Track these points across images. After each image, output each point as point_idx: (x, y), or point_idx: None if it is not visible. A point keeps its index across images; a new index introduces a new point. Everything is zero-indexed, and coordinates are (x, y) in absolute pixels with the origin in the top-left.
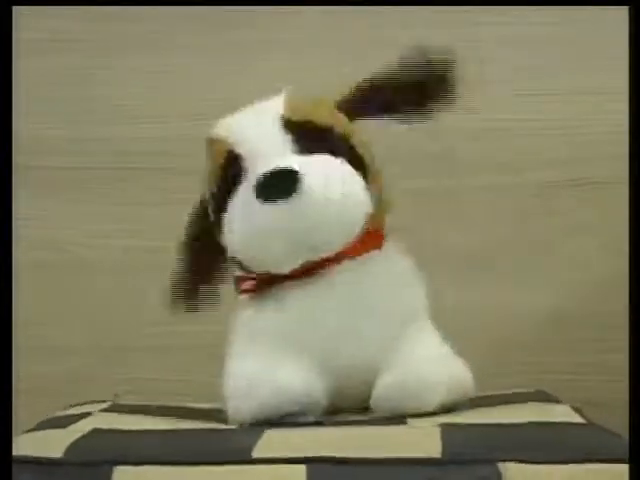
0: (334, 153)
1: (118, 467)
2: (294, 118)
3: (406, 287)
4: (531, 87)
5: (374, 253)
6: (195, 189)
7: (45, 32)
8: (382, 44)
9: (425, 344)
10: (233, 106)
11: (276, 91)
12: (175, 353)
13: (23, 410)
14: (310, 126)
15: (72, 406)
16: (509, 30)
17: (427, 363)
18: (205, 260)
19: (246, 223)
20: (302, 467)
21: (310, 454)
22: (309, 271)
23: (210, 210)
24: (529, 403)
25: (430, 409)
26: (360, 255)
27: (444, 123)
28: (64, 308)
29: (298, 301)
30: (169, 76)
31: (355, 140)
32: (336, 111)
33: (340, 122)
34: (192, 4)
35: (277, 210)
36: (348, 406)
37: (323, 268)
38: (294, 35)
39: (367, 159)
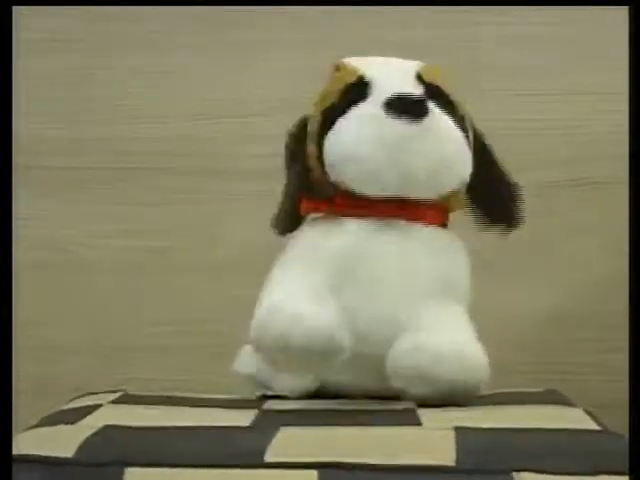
0: (452, 118)
1: (129, 469)
2: (427, 78)
3: (452, 264)
4: (531, 87)
5: (434, 227)
6: (195, 189)
7: (45, 32)
8: (382, 44)
9: (450, 319)
10: (233, 106)
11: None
12: (175, 353)
13: (23, 410)
14: (437, 90)
15: (80, 396)
16: (509, 30)
17: (445, 335)
18: (304, 181)
19: (365, 130)
20: (314, 472)
21: (323, 458)
22: (378, 212)
23: (315, 126)
24: (542, 405)
25: (440, 384)
26: (425, 223)
27: None
28: (64, 308)
29: (354, 238)
30: (169, 76)
31: (467, 124)
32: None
33: (460, 102)
34: (192, 4)
35: (403, 126)
36: (366, 369)
37: (390, 217)
38: (294, 35)
39: (479, 138)
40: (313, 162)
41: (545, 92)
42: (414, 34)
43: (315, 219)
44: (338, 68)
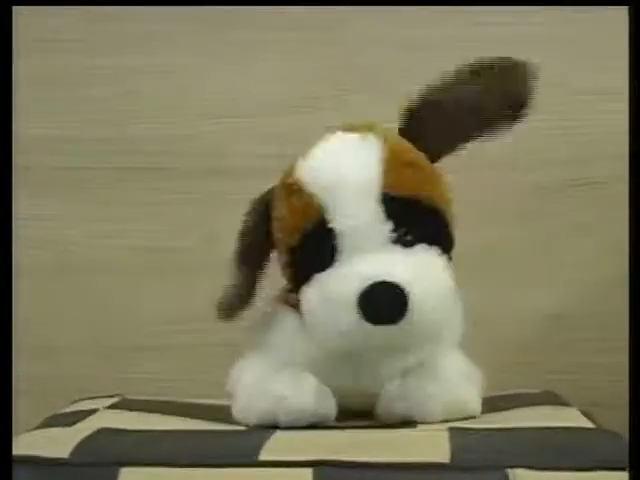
0: (433, 238)
1: (124, 468)
2: (397, 193)
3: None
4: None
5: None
6: (195, 189)
7: (45, 32)
8: (382, 44)
9: (445, 362)
10: (233, 106)
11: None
12: (175, 353)
13: (23, 410)
14: (414, 207)
15: (78, 401)
16: (509, 30)
17: (432, 380)
18: (258, 271)
19: (345, 337)
20: (309, 470)
21: (317, 457)
22: None
23: (284, 262)
24: (538, 406)
25: (430, 420)
26: None
27: None
28: (64, 308)
29: None
30: (169, 76)
31: (449, 216)
32: (436, 177)
33: (443, 196)
34: (192, 4)
35: (383, 332)
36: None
37: None
38: (294, 35)
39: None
40: (282, 272)
41: (545, 92)
42: (414, 34)
43: (287, 309)
44: (292, 191)
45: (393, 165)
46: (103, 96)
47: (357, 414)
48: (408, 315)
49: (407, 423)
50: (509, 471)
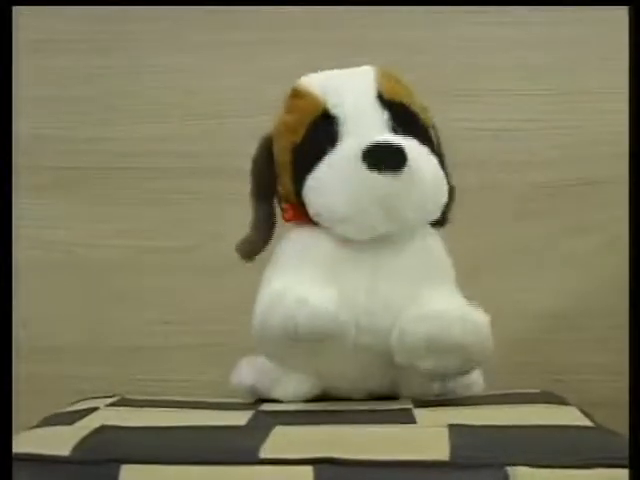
0: (419, 140)
1: (125, 466)
2: (388, 97)
3: (435, 249)
4: (531, 87)
5: None
6: (195, 189)
7: (45, 32)
8: (382, 44)
9: (446, 296)
10: (233, 106)
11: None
12: (175, 353)
13: (23, 410)
14: (402, 109)
15: (78, 401)
16: (509, 30)
17: (446, 304)
18: (270, 206)
19: (351, 188)
20: (309, 468)
21: (317, 454)
22: None
23: (288, 166)
24: (537, 405)
25: (447, 350)
26: None
27: (443, 123)
28: (64, 308)
29: (344, 239)
30: (169, 76)
31: (433, 130)
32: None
33: (423, 110)
34: (192, 4)
35: (387, 180)
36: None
37: None
38: (294, 35)
39: (439, 147)
40: (288, 194)
41: (545, 92)
42: (414, 34)
43: (297, 228)
44: (297, 94)
45: (384, 79)
46: (103, 96)
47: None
48: (408, 167)
49: (407, 421)
50: (509, 469)
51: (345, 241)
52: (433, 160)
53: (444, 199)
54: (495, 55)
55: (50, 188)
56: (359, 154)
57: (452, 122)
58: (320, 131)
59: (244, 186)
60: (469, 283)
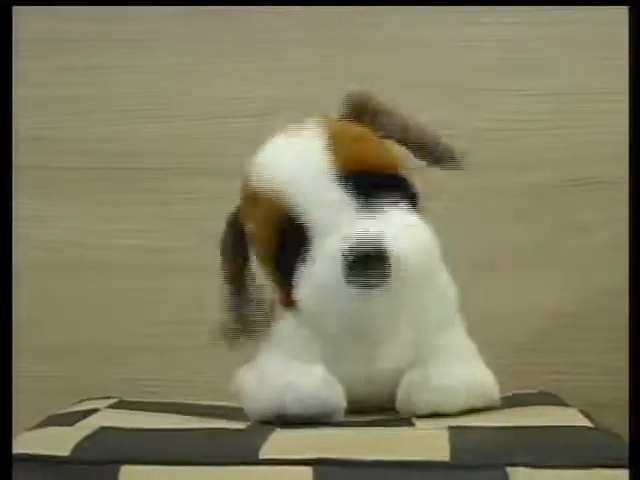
0: (398, 198)
1: (124, 466)
2: (352, 170)
3: (441, 291)
4: (531, 87)
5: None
6: (195, 189)
7: (45, 32)
8: (382, 44)
9: (454, 349)
10: (234, 106)
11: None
12: (175, 353)
13: (23, 410)
14: (371, 177)
15: (79, 402)
16: (509, 30)
17: (451, 365)
18: (248, 286)
19: (335, 303)
20: (308, 469)
21: (317, 455)
22: None
23: (261, 264)
24: (537, 406)
25: (451, 411)
26: None
27: (443, 123)
28: (64, 308)
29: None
30: (169, 76)
31: (406, 173)
32: (380, 143)
33: (396, 160)
34: (192, 4)
35: (372, 295)
36: (370, 407)
37: None
38: (295, 35)
39: (417, 190)
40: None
41: (545, 92)
42: (414, 34)
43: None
44: (250, 200)
45: (339, 145)
46: (103, 96)
47: (369, 410)
48: (394, 275)
49: (406, 421)
50: (509, 469)
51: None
52: (423, 228)
53: (436, 261)
54: (495, 55)
55: (50, 188)
56: (340, 266)
57: (452, 122)
58: (291, 239)
59: None
60: (469, 283)
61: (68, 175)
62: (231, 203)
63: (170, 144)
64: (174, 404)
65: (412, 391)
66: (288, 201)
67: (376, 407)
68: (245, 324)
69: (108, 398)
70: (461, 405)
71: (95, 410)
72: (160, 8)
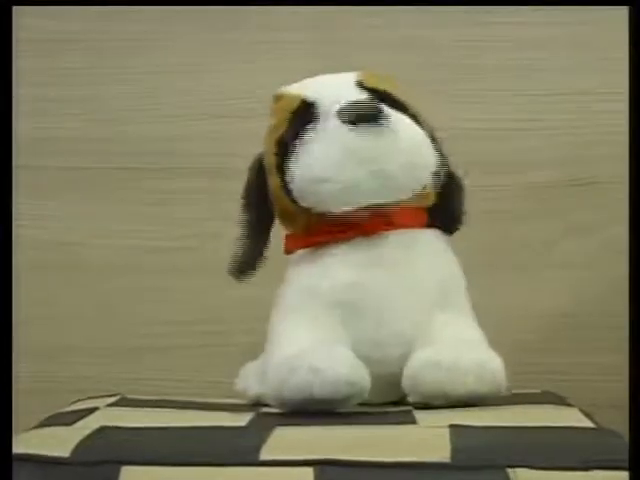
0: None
1: (125, 467)
2: (369, 85)
3: (447, 265)
4: (531, 87)
5: (418, 230)
6: (195, 189)
7: (45, 32)
8: (382, 44)
9: (460, 327)
10: (234, 106)
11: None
12: (175, 353)
13: (23, 410)
14: (381, 93)
15: (78, 401)
16: (509, 30)
17: (461, 347)
18: (264, 222)
19: (328, 146)
20: (309, 470)
21: (318, 456)
22: (361, 231)
23: (272, 158)
24: (538, 405)
25: (459, 397)
26: (408, 227)
27: (443, 123)
28: (64, 308)
29: (347, 268)
30: (169, 76)
31: (421, 120)
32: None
33: (409, 102)
34: (192, 4)
35: (365, 136)
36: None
37: (374, 232)
38: (295, 35)
39: (432, 133)
40: (278, 193)
41: (545, 92)
42: (414, 34)
43: (299, 256)
44: (277, 99)
45: (366, 74)
46: (103, 96)
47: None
48: (386, 123)
49: (408, 422)
50: (510, 470)
51: (346, 268)
52: (418, 128)
53: (432, 161)
54: (495, 55)
55: (50, 188)
56: (335, 116)
57: (452, 122)
58: (299, 118)
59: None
60: (469, 283)
61: (68, 175)
62: (231, 203)
63: (170, 144)
64: (174, 402)
65: (421, 369)
66: (311, 94)
67: (381, 392)
68: (252, 265)
69: (109, 396)
70: (470, 387)
71: (95, 409)
72: (160, 8)
